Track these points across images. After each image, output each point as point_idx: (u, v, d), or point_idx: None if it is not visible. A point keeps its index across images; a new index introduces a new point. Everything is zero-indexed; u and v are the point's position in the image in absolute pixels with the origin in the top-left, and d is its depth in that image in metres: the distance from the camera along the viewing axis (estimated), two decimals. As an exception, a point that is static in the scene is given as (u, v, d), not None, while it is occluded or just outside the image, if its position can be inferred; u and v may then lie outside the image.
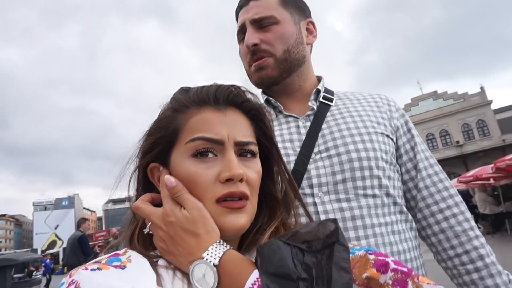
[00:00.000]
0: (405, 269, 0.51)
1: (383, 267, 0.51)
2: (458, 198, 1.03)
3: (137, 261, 0.55)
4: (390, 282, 0.49)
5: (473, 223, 1.00)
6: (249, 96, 0.70)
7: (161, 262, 0.60)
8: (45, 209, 69.07)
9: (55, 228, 63.82)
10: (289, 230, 0.65)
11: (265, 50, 1.04)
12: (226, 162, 0.61)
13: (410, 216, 1.01)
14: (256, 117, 0.70)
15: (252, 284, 0.50)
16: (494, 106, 32.51)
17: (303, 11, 1.15)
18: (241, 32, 1.10)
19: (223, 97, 0.65)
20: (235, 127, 0.64)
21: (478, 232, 0.99)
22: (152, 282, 0.53)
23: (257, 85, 1.10)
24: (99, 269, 0.51)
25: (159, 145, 0.65)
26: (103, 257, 0.56)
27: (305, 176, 0.94)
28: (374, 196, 0.93)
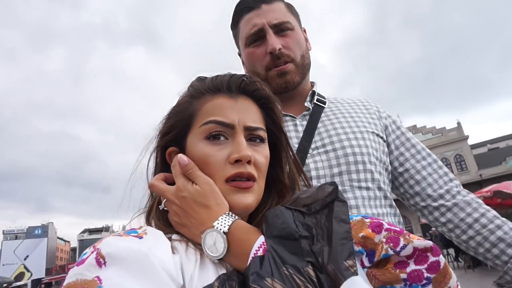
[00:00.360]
0: (398, 229, 0.55)
1: (377, 227, 0.54)
2: (457, 181, 1.12)
3: (152, 232, 0.58)
4: (384, 240, 0.53)
5: (479, 200, 1.08)
6: (262, 86, 0.74)
7: (174, 236, 0.63)
8: (16, 237, 65.70)
9: (24, 259, 60.46)
10: None
11: (287, 55, 1.08)
12: (236, 144, 0.65)
13: (398, 211, 1.08)
14: (266, 106, 0.75)
15: (258, 247, 0.54)
16: (470, 142, 33.70)
17: (299, 19, 1.21)
18: (257, 35, 1.09)
19: (236, 85, 0.71)
20: (246, 113, 0.69)
21: (486, 207, 1.05)
22: (168, 248, 0.56)
23: (280, 89, 1.10)
24: (119, 235, 0.55)
25: (176, 128, 0.71)
26: (121, 231, 0.59)
27: (304, 169, 0.98)
28: (367, 188, 1.00)
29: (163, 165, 0.74)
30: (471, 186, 27.71)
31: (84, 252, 0.55)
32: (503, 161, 30.97)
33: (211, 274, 0.56)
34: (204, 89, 0.72)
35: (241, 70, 1.23)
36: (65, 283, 0.50)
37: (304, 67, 1.13)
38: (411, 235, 0.54)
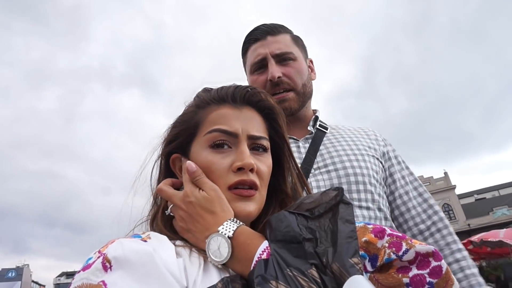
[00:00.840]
0: (400, 234, 0.55)
1: (380, 233, 0.55)
2: (442, 214, 1.12)
3: (156, 237, 0.59)
4: (387, 245, 0.53)
5: (455, 236, 1.07)
6: (266, 97, 0.76)
7: (178, 242, 0.63)
8: (-13, 280, 61.83)
9: (-5, 304, 56.41)
10: None
11: (287, 83, 1.14)
12: (239, 153, 0.67)
13: None
14: (270, 116, 0.77)
15: (262, 252, 0.54)
16: (457, 192, 34.01)
17: (306, 51, 1.29)
18: (260, 64, 1.17)
19: (240, 96, 0.73)
20: (249, 123, 0.71)
21: (460, 246, 1.05)
22: (172, 251, 0.57)
23: None
24: (123, 238, 0.56)
25: (181, 136, 0.73)
26: (126, 236, 0.60)
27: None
28: (368, 208, 1.02)
29: (167, 171, 0.76)
30: (460, 235, 26.91)
31: (89, 257, 0.56)
32: (490, 212, 31.13)
33: (215, 278, 0.56)
34: (209, 99, 0.74)
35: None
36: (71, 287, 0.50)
37: (305, 95, 1.18)
38: (413, 240, 0.55)
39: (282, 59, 1.16)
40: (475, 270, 1.01)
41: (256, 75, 1.20)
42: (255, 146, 0.71)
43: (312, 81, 1.27)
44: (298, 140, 1.17)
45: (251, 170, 0.67)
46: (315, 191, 1.00)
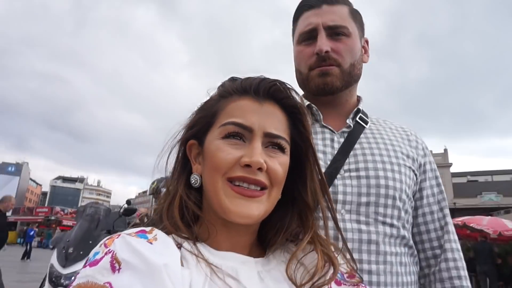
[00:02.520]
0: None
1: None
2: (455, 245, 1.05)
3: (162, 241, 0.57)
4: None
5: (462, 272, 1.01)
6: (293, 94, 0.70)
7: (186, 245, 0.61)
8: (-12, 171, 64.64)
9: (-7, 194, 59.66)
10: (323, 241, 0.69)
11: (334, 59, 1.05)
12: (250, 148, 0.63)
13: (415, 252, 1.04)
14: (295, 116, 0.71)
15: None
16: (451, 170, 34.35)
17: (363, 29, 1.16)
18: (309, 34, 1.08)
19: (264, 89, 0.68)
20: (269, 119, 0.66)
21: (465, 283, 1.00)
22: (177, 261, 0.55)
23: (318, 90, 1.07)
24: (131, 236, 0.55)
25: (198, 124, 0.71)
26: (131, 231, 0.58)
27: (331, 190, 0.93)
28: (391, 225, 0.96)
29: (183, 157, 0.73)
30: (444, 212, 28.32)
31: (96, 251, 0.54)
32: (479, 195, 31.77)
33: None
34: (232, 90, 0.70)
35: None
36: (75, 283, 0.50)
37: (350, 76, 1.08)
38: None
39: (335, 33, 1.05)
40: None
41: (302, 46, 1.10)
42: (271, 144, 0.66)
43: (364, 64, 1.15)
44: (335, 133, 1.07)
45: (260, 169, 0.63)
46: (340, 196, 0.95)
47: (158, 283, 0.49)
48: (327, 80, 1.05)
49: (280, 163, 0.65)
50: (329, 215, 0.83)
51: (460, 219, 11.01)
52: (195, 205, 0.67)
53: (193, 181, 0.69)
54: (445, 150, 34.13)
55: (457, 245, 1.05)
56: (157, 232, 0.59)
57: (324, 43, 1.03)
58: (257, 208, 0.62)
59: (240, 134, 0.65)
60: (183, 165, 0.72)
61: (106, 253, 0.52)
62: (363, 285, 0.71)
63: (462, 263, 1.03)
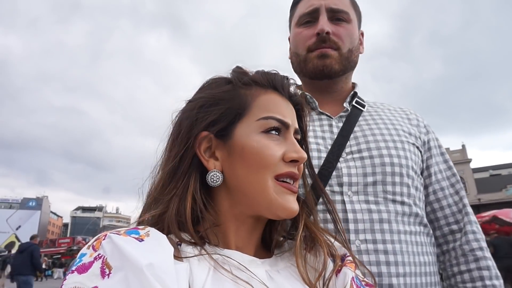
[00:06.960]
0: None
1: None
2: (473, 217, 1.03)
3: (155, 235, 0.56)
4: None
5: (483, 243, 0.99)
6: (299, 91, 0.76)
7: (186, 237, 0.61)
8: (10, 207, 65.95)
9: (16, 229, 60.66)
10: (316, 227, 0.71)
11: (335, 42, 1.04)
12: (291, 144, 0.67)
13: (431, 231, 1.00)
14: (297, 112, 0.75)
15: None
16: (473, 165, 33.57)
17: (361, 21, 1.17)
18: (310, 15, 1.07)
19: (287, 87, 0.72)
20: (293, 115, 0.71)
21: (487, 254, 0.97)
22: (169, 255, 0.53)
23: (316, 72, 1.06)
24: (119, 234, 0.53)
25: (227, 116, 0.66)
26: (121, 229, 0.56)
27: (334, 174, 0.93)
28: (402, 203, 0.93)
29: (191, 152, 0.67)
30: (469, 210, 27.50)
31: (83, 252, 0.52)
32: (504, 188, 30.81)
33: (228, 284, 0.55)
34: (253, 81, 0.70)
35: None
36: None
37: (348, 61, 1.07)
38: None
39: (336, 17, 1.05)
40: (497, 282, 0.93)
41: (302, 28, 1.08)
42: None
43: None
44: (332, 118, 1.06)
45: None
46: (345, 178, 0.93)
47: (144, 285, 0.46)
48: (326, 62, 1.03)
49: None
50: (337, 198, 0.91)
51: (486, 214, 10.61)
52: (210, 206, 0.65)
53: (214, 179, 0.64)
54: (463, 146, 33.45)
55: (474, 217, 1.02)
56: (150, 230, 0.57)
57: (325, 23, 1.03)
58: (297, 204, 0.66)
59: (279, 129, 0.67)
60: (192, 160, 0.65)
61: (96, 258, 0.50)
62: None
63: (482, 235, 1.00)
